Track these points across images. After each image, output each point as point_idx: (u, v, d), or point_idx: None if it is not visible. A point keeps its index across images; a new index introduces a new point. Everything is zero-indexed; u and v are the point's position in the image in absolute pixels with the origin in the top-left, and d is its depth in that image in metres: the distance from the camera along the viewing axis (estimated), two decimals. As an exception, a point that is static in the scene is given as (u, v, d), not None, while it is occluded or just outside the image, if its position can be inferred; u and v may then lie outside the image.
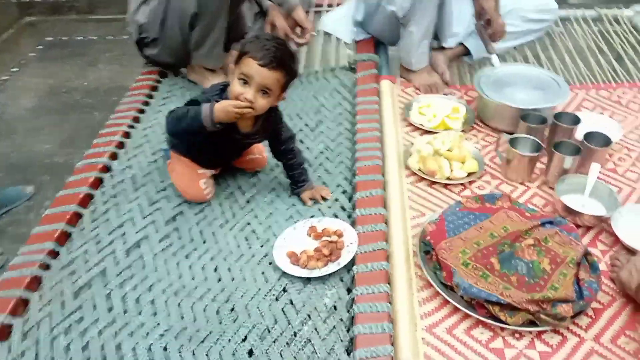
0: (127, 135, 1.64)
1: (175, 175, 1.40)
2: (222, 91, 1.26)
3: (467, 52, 1.96)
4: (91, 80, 2.98)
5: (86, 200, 1.40)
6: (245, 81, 1.19)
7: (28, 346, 1.05)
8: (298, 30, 1.87)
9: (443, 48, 1.95)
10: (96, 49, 3.30)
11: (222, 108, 1.20)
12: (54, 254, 1.25)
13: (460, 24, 1.92)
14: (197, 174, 1.37)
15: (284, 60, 1.19)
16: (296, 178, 1.40)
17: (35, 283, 1.18)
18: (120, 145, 1.60)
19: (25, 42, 3.44)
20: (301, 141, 1.61)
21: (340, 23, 2.13)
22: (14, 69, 3.09)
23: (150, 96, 1.83)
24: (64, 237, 1.29)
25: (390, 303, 1.08)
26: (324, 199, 1.40)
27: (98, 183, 1.46)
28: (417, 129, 1.67)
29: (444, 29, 1.90)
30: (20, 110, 2.73)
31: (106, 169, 1.50)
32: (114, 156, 1.55)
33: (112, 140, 1.58)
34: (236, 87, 1.20)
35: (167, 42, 1.80)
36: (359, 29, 2.06)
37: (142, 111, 1.76)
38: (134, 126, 1.68)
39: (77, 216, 1.35)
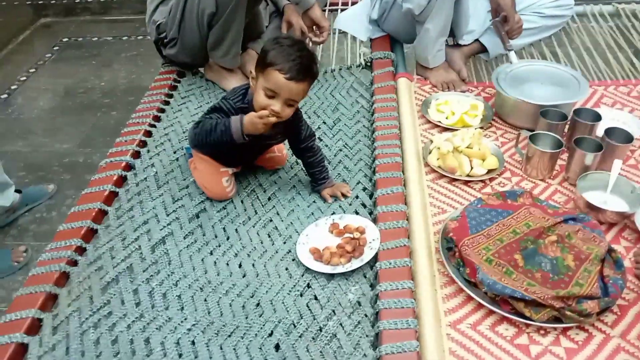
0: (148, 134, 1.66)
1: (197, 173, 1.42)
2: (244, 96, 1.28)
3: (483, 49, 1.96)
4: (107, 80, 3.02)
5: (111, 197, 1.42)
6: (272, 94, 1.20)
7: (58, 340, 1.07)
8: (315, 28, 1.88)
9: (459, 45, 1.96)
10: (111, 50, 3.34)
11: (250, 122, 1.21)
12: (81, 251, 1.27)
13: (476, 20, 1.92)
14: (219, 172, 1.39)
15: (310, 69, 1.21)
16: (316, 175, 1.41)
17: (63, 279, 1.20)
18: (142, 144, 1.62)
19: (40, 43, 3.49)
20: (320, 139, 1.62)
21: (355, 21, 2.14)
22: (31, 70, 3.14)
23: (170, 95, 1.85)
24: (90, 234, 1.32)
25: (413, 299, 1.09)
26: (345, 196, 1.41)
27: (122, 181, 1.48)
28: (436, 126, 1.67)
29: (460, 26, 1.90)
30: (38, 110, 2.77)
31: (129, 167, 1.52)
32: (136, 155, 1.57)
33: (134, 139, 1.60)
34: (262, 99, 1.21)
35: (185, 41, 1.81)
36: (374, 26, 2.07)
37: (162, 110, 1.77)
38: (155, 125, 1.70)
39: (103, 213, 1.37)
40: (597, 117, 1.49)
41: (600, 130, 1.46)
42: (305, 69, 1.19)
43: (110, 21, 3.71)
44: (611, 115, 1.59)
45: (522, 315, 1.06)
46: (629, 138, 1.41)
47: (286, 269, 1.22)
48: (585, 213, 1.28)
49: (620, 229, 1.29)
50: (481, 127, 1.64)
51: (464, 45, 1.95)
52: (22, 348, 1.06)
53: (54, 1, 3.80)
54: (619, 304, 1.10)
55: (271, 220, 1.36)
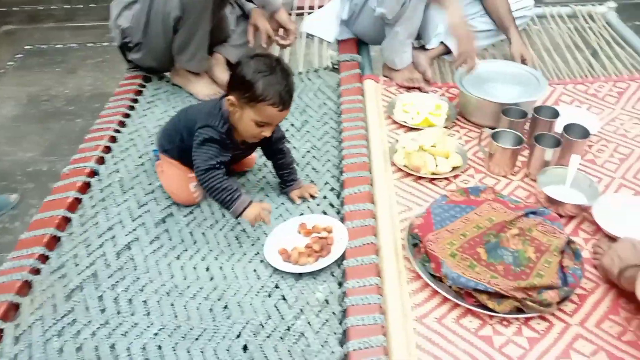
0: (113, 139, 1.64)
1: (165, 178, 1.41)
2: (222, 117, 1.25)
3: (448, 51, 2.00)
4: (72, 87, 2.97)
5: (74, 204, 1.40)
6: (264, 124, 1.22)
7: (21, 349, 1.05)
8: (281, 32, 1.88)
9: (425, 47, 1.99)
10: (76, 57, 3.29)
11: (253, 215, 1.24)
12: (44, 259, 1.25)
13: (442, 23, 1.95)
14: (187, 178, 1.38)
15: (293, 89, 1.23)
16: (285, 177, 1.42)
17: (25, 287, 1.18)
18: (107, 150, 1.59)
19: (3, 51, 3.42)
20: (288, 141, 1.62)
21: (322, 23, 2.16)
22: (-7, 78, 3.07)
23: (135, 100, 1.83)
24: (54, 242, 1.29)
25: (380, 295, 1.10)
26: (312, 197, 1.42)
27: (86, 187, 1.46)
28: (401, 126, 1.70)
29: (428, 30, 1.93)
30: (0, 119, 2.71)
31: (93, 173, 1.50)
32: (100, 160, 1.55)
33: (98, 144, 1.58)
34: (253, 129, 1.23)
35: (150, 46, 1.80)
36: (343, 28, 2.08)
37: (127, 115, 1.75)
38: (120, 130, 1.68)
39: (66, 220, 1.35)
40: (556, 114, 1.53)
41: (559, 127, 1.50)
42: (292, 92, 1.22)
43: (75, 28, 3.65)
44: (569, 112, 1.64)
45: (486, 308, 1.08)
46: (586, 134, 1.46)
47: (254, 270, 1.22)
48: (546, 207, 1.32)
49: (579, 221, 1.33)
50: (445, 127, 1.67)
51: (430, 48, 1.98)
52: (-18, 359, 1.04)
53: (17, 8, 3.73)
54: (578, 293, 1.14)
55: (239, 223, 1.35)
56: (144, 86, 1.92)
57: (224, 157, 1.26)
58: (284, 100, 1.19)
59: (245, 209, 1.24)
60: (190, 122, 1.30)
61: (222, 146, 1.27)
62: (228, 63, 1.90)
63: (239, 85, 1.20)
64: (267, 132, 1.25)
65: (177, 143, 1.36)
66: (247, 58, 1.21)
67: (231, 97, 1.22)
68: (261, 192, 1.45)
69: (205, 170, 1.24)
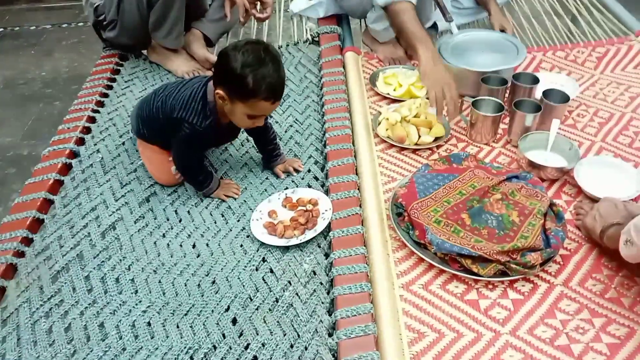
0: (92, 120, 1.61)
1: (145, 160, 1.40)
2: (204, 111, 1.24)
3: (434, 26, 1.98)
4: (49, 70, 2.91)
5: (56, 186, 1.38)
6: (256, 116, 1.21)
7: (9, 332, 1.05)
8: (258, 5, 1.85)
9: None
10: (51, 38, 3.21)
11: (218, 195, 1.34)
12: (28, 242, 1.24)
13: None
14: (168, 161, 1.36)
15: (284, 78, 1.20)
16: (269, 152, 1.41)
17: (10, 271, 1.17)
18: (86, 131, 1.57)
19: (-25, 35, 3.32)
20: (270, 116, 1.61)
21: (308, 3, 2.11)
22: (-34, 63, 2.99)
23: (113, 80, 1.80)
24: (37, 224, 1.28)
25: (367, 264, 1.11)
26: (297, 170, 1.42)
27: (67, 169, 1.44)
28: (384, 98, 1.69)
29: (425, 10, 1.90)
30: (-24, 104, 2.65)
31: (74, 154, 1.48)
32: (80, 141, 1.53)
33: (77, 125, 1.56)
34: (245, 122, 1.23)
35: (125, 23, 1.76)
36: (329, 3, 2.04)
37: (105, 95, 1.73)
38: (98, 111, 1.65)
39: (48, 203, 1.33)
40: (536, 80, 1.54)
41: (538, 93, 1.51)
42: (284, 82, 1.19)
43: (48, 9, 3.56)
44: (549, 79, 1.64)
45: (471, 272, 1.09)
46: (565, 98, 1.46)
47: (241, 245, 1.22)
48: (528, 171, 1.33)
49: (561, 184, 1.34)
50: (427, 97, 1.66)
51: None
52: (-30, 343, 1.03)
53: (-15, -10, 3.62)
54: (561, 254, 1.16)
55: (224, 200, 1.35)
56: (121, 65, 1.88)
57: (203, 150, 1.33)
58: (277, 93, 1.16)
59: (213, 191, 1.34)
60: (170, 112, 1.26)
61: (203, 141, 1.28)
62: (205, 38, 1.87)
63: (228, 80, 1.15)
64: (259, 122, 1.23)
65: (157, 130, 1.34)
66: (234, 50, 1.13)
67: (220, 91, 1.17)
68: (245, 168, 1.44)
69: (185, 167, 1.31)
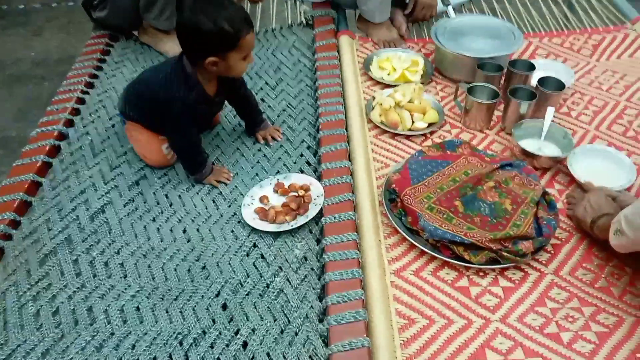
0: (81, 101, 1.58)
1: (135, 142, 1.38)
2: (187, 87, 1.22)
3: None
4: (38, 50, 2.86)
5: (44, 168, 1.36)
6: (245, 55, 1.20)
7: (-5, 316, 1.03)
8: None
9: (403, 4, 1.94)
10: (40, 18, 3.15)
11: (209, 180, 1.33)
12: (15, 224, 1.22)
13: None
14: (158, 140, 1.35)
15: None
16: (254, 119, 1.45)
17: (-3, 254, 1.15)
18: (76, 112, 1.55)
19: (-38, 13, 3.25)
20: (262, 100, 1.59)
21: None
22: (-47, 43, 2.93)
23: (103, 61, 1.77)
24: (24, 207, 1.26)
25: (358, 250, 1.11)
26: (274, 139, 1.45)
27: (55, 151, 1.42)
28: (378, 83, 1.67)
29: None
30: (-36, 84, 2.61)
31: (62, 136, 1.46)
32: (69, 123, 1.50)
33: (66, 107, 1.53)
34: (242, 67, 1.22)
35: (116, 3, 1.73)
36: None
37: (95, 76, 1.70)
38: (88, 92, 1.62)
39: (37, 185, 1.31)
40: (532, 67, 1.52)
41: (534, 80, 1.50)
42: (245, 9, 1.21)
43: (37, -13, 3.49)
44: (545, 66, 1.63)
45: (462, 259, 1.09)
46: (560, 86, 1.45)
47: (232, 231, 1.21)
48: (521, 160, 1.32)
49: (554, 173, 1.34)
50: (422, 83, 1.65)
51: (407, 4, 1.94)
52: (-44, 327, 1.02)
53: (-28, -33, 3.53)
54: (552, 243, 1.16)
55: (215, 186, 1.33)
56: (111, 46, 1.85)
57: (198, 124, 1.31)
58: (249, 21, 1.18)
59: (205, 177, 1.33)
60: (153, 93, 1.25)
61: (194, 115, 1.26)
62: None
63: (211, 43, 1.15)
64: (251, 59, 1.23)
65: (145, 112, 1.33)
66: (192, 16, 1.13)
67: (211, 59, 1.17)
68: (237, 153, 1.43)
69: (182, 148, 1.30)
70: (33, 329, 1.01)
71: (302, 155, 1.40)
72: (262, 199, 1.26)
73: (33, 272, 1.11)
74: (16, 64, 2.75)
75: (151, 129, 1.35)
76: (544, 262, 1.13)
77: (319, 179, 1.29)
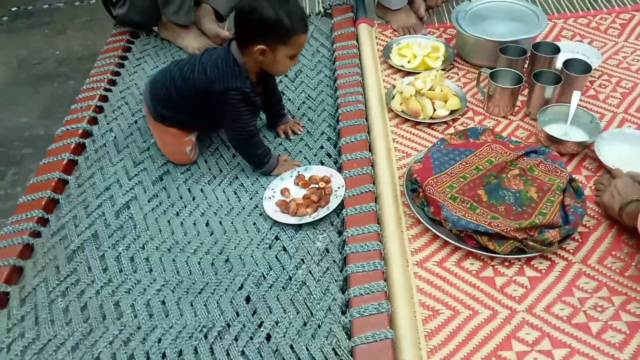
0: (104, 99, 1.61)
1: (159, 141, 1.38)
2: (244, 77, 1.21)
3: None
4: (62, 49, 2.90)
5: (70, 166, 1.38)
6: (293, 55, 1.20)
7: (27, 311, 1.06)
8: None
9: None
10: (63, 16, 3.19)
11: (278, 172, 1.33)
12: (43, 222, 1.25)
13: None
14: (182, 142, 1.35)
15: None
16: (277, 112, 1.45)
17: (27, 251, 1.18)
18: (99, 110, 1.57)
19: (-12, 14, 3.32)
20: (282, 92, 1.59)
21: None
22: (-19, 43, 3.00)
23: (125, 58, 1.79)
24: (52, 204, 1.29)
25: (380, 242, 1.10)
26: (295, 133, 1.45)
27: (80, 149, 1.44)
28: (398, 70, 1.65)
29: None
30: (-8, 84, 2.67)
31: (87, 134, 1.48)
32: (93, 121, 1.52)
33: (90, 105, 1.55)
34: (287, 64, 1.22)
35: (134, -1, 1.74)
36: None
37: (117, 74, 1.72)
38: (110, 89, 1.64)
39: (63, 183, 1.34)
40: (556, 50, 1.48)
41: (559, 63, 1.46)
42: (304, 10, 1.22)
43: (60, -14, 3.53)
44: (570, 48, 1.59)
45: (487, 249, 1.07)
46: (587, 69, 1.41)
47: (254, 224, 1.22)
48: (547, 146, 1.29)
49: (581, 158, 1.31)
50: (443, 69, 1.62)
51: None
52: (-10, 322, 1.05)
53: (-2, -31, 3.60)
54: (580, 231, 1.13)
55: (237, 178, 1.34)
56: (132, 42, 1.87)
57: (256, 116, 1.32)
58: (306, 23, 1.19)
59: (274, 168, 1.33)
60: (208, 87, 1.21)
61: (253, 105, 1.26)
62: (216, 13, 1.84)
63: (265, 30, 1.14)
64: (296, 61, 1.23)
65: (181, 109, 1.29)
66: (256, 1, 1.13)
67: (260, 46, 1.16)
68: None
69: (241, 140, 1.30)
70: (63, 323, 1.04)
71: (322, 147, 1.40)
72: (283, 191, 1.26)
73: (62, 268, 1.14)
74: (41, 62, 2.79)
75: (181, 127, 1.32)
76: (571, 250, 1.10)
77: (340, 170, 1.29)
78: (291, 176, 1.30)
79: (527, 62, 1.53)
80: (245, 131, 1.27)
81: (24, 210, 1.25)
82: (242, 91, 1.21)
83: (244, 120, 1.26)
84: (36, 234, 1.22)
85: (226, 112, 1.25)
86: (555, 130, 1.32)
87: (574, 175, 1.21)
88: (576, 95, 1.34)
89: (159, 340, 0.99)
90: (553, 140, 1.29)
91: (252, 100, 1.25)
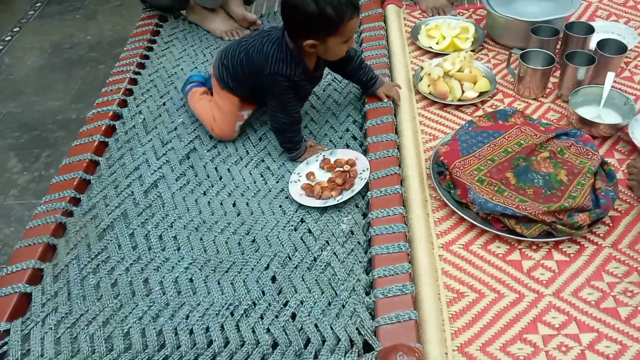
0: (134, 82, 1.63)
1: (216, 107, 1.37)
2: (296, 65, 1.21)
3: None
4: (93, 33, 2.95)
5: (101, 148, 1.41)
6: (346, 39, 1.17)
7: (60, 287, 1.10)
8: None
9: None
10: (94, 2, 3.25)
11: (304, 157, 1.32)
12: (75, 201, 1.28)
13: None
14: (237, 116, 1.37)
15: None
16: (364, 78, 1.39)
17: (60, 229, 1.22)
18: (129, 92, 1.59)
19: (21, 1, 3.39)
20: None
21: None
22: (15, 29, 3.07)
23: (153, 41, 1.81)
24: (84, 185, 1.32)
25: (405, 224, 1.09)
26: (395, 100, 1.40)
27: (111, 130, 1.47)
28: (426, 52, 1.63)
29: None
30: (26, 69, 2.74)
31: (117, 116, 1.51)
32: (123, 103, 1.55)
33: (119, 87, 1.58)
34: (342, 50, 1.20)
35: (162, -17, 1.75)
36: None
37: (146, 57, 1.74)
38: (140, 72, 1.67)
39: (94, 164, 1.37)
40: (590, 30, 1.44)
41: (593, 44, 1.42)
42: None
43: (91, -28, 3.58)
44: (605, 28, 1.53)
45: (514, 233, 1.06)
46: (622, 49, 1.37)
47: (280, 206, 1.22)
48: (579, 128, 1.26)
49: (614, 141, 1.27)
50: (472, 50, 1.59)
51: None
52: (26, 297, 1.09)
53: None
54: (611, 215, 1.10)
55: (263, 160, 1.35)
56: (160, 26, 1.88)
57: (302, 103, 1.34)
58: (355, 4, 1.13)
59: (301, 154, 1.33)
60: (260, 69, 1.23)
61: (300, 92, 1.26)
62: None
63: (311, 26, 1.12)
64: (352, 43, 1.20)
65: (244, 82, 1.31)
66: None
67: (308, 42, 1.15)
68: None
69: (283, 124, 1.28)
70: (94, 300, 1.07)
71: (347, 129, 1.39)
72: (309, 175, 1.27)
73: (93, 246, 1.17)
74: (73, 47, 2.85)
75: (243, 99, 1.36)
76: (601, 235, 1.08)
77: (366, 153, 1.28)
78: (317, 160, 1.30)
79: (560, 42, 1.49)
80: (289, 117, 1.27)
81: (56, 190, 1.29)
82: (291, 79, 1.21)
83: (290, 106, 1.26)
84: (69, 213, 1.25)
85: (272, 96, 1.25)
86: (587, 112, 1.28)
87: (606, 159, 1.18)
88: (610, 77, 1.30)
89: (187, 317, 1.01)
90: (585, 122, 1.26)
91: (300, 88, 1.25)
